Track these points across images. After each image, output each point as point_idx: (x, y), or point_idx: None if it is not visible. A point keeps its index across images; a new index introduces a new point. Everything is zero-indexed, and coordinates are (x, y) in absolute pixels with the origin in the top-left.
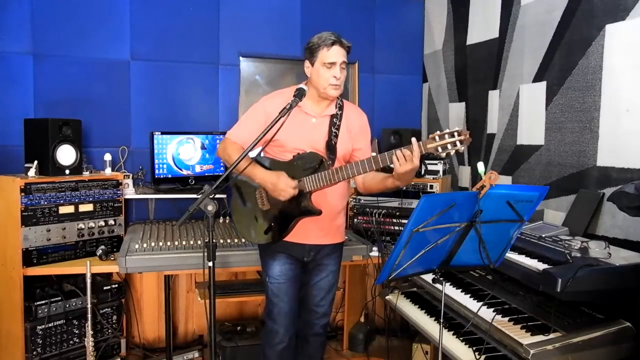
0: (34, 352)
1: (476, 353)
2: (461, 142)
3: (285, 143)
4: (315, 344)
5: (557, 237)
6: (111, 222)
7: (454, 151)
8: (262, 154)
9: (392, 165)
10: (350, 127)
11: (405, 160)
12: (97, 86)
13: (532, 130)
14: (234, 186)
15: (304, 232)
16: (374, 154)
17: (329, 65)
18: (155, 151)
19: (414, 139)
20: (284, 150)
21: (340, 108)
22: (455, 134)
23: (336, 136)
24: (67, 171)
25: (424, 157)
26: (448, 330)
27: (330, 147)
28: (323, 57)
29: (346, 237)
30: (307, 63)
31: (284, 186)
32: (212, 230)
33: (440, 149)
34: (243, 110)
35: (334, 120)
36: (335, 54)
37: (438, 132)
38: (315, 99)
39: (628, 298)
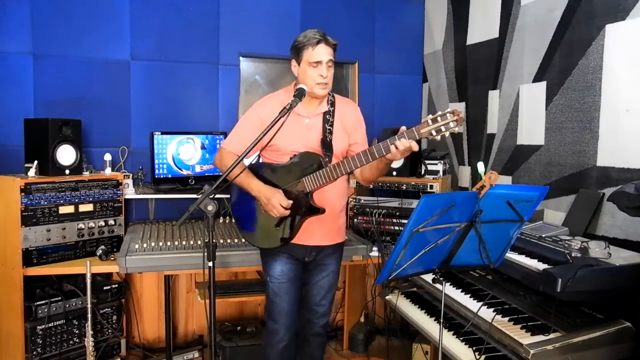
0: (34, 352)
1: (476, 353)
2: (455, 122)
3: (282, 147)
4: (315, 343)
5: (557, 237)
6: (111, 222)
7: (448, 133)
8: (260, 160)
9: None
10: (345, 122)
11: (405, 151)
12: (97, 86)
13: (532, 130)
14: (237, 192)
15: (307, 234)
16: None
17: (315, 65)
18: (155, 151)
19: (403, 128)
20: (281, 154)
21: (332, 104)
22: (449, 115)
23: (330, 133)
24: (67, 171)
25: (425, 158)
26: (448, 330)
27: (326, 144)
28: (309, 56)
29: (346, 237)
30: (293, 62)
31: (276, 203)
32: (212, 230)
33: (434, 132)
34: (243, 110)
35: (327, 117)
36: (321, 52)
37: (430, 116)
38: (306, 98)
39: (628, 298)
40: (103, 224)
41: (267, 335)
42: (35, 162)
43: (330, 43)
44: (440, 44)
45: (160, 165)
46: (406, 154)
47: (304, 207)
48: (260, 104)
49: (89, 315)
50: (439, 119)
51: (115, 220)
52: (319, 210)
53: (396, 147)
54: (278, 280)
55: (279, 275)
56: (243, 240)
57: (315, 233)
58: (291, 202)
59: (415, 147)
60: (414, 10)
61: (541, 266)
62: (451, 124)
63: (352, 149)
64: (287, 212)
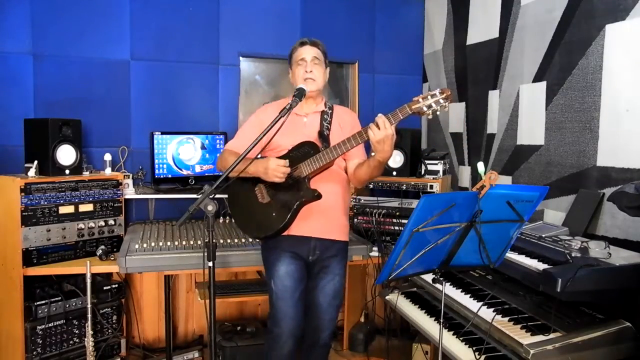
0: (34, 352)
1: (476, 353)
2: (445, 98)
3: (281, 144)
4: (322, 354)
5: (557, 237)
6: (111, 222)
7: (439, 108)
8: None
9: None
10: (342, 123)
11: (378, 128)
12: (97, 86)
13: (532, 130)
14: (231, 189)
15: (308, 224)
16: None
17: (301, 62)
18: (155, 151)
19: (380, 114)
20: (280, 150)
21: (331, 108)
22: (437, 93)
23: (328, 129)
24: (67, 171)
25: (425, 158)
26: (448, 330)
27: (323, 136)
28: (295, 57)
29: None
30: (289, 71)
31: (274, 166)
32: (212, 230)
33: (425, 108)
34: (243, 110)
35: (325, 116)
36: (305, 51)
37: (421, 95)
38: (303, 101)
39: (628, 298)
40: (103, 224)
41: (270, 340)
42: (35, 162)
43: (315, 43)
44: (440, 44)
45: (160, 165)
46: (386, 142)
47: (301, 191)
48: (261, 110)
49: (89, 315)
50: (429, 97)
51: (115, 220)
52: (315, 193)
53: (371, 127)
54: (282, 282)
55: (284, 277)
56: (243, 240)
57: (316, 224)
58: (287, 160)
59: (390, 130)
60: (414, 10)
61: (541, 266)
62: (441, 101)
63: (348, 152)
64: (289, 170)
